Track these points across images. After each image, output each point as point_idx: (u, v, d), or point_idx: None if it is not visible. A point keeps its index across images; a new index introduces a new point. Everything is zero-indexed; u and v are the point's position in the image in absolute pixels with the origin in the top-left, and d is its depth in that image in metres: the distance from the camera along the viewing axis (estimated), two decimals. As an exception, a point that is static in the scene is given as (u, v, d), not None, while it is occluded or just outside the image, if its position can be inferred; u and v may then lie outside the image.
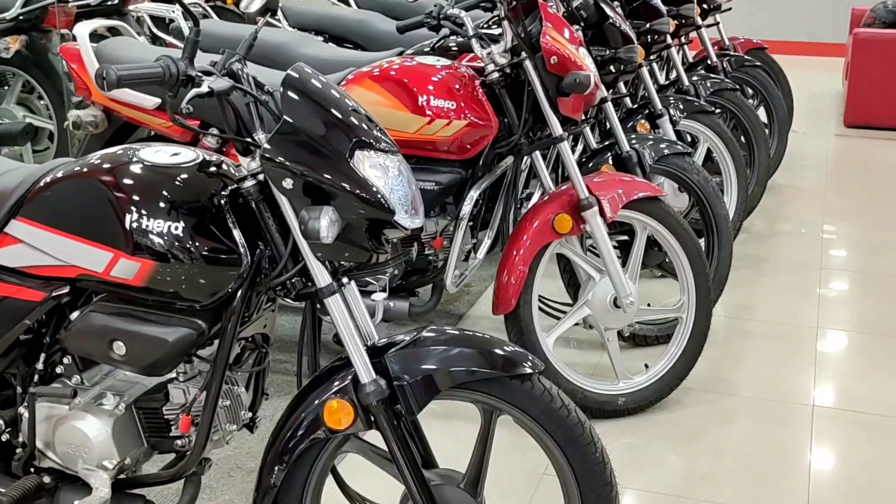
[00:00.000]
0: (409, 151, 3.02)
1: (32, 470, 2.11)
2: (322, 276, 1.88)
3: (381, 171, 1.86)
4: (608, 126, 3.67)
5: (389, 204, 1.84)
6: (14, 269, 2.01)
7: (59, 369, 2.08)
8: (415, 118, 3.02)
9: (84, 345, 1.99)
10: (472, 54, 3.24)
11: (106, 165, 1.95)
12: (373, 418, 1.90)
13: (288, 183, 1.81)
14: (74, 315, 1.99)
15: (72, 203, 1.95)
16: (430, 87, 3.03)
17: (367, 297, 3.04)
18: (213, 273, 1.91)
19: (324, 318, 2.02)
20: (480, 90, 3.10)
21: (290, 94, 1.85)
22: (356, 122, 1.87)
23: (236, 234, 1.92)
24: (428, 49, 3.48)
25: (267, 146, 1.82)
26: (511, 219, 3.32)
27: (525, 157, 3.23)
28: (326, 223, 1.78)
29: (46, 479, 2.09)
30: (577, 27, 3.38)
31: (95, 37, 3.86)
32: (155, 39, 4.93)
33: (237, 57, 1.96)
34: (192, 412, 2.02)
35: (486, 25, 3.45)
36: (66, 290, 1.99)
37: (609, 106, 3.62)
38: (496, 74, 3.08)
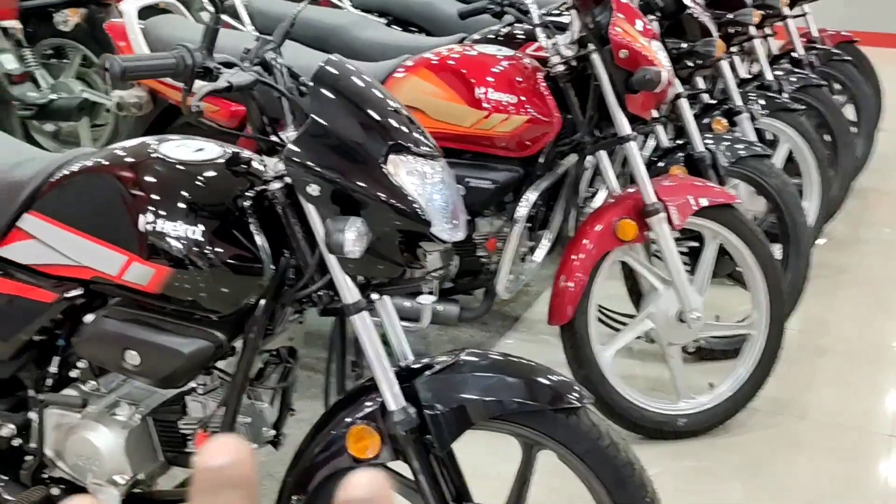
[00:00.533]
0: (464, 146, 2.84)
1: (45, 478, 1.99)
2: (350, 293, 1.71)
3: (418, 178, 1.67)
4: (682, 122, 3.43)
5: (426, 215, 1.66)
6: (27, 267, 1.88)
7: (73, 373, 1.95)
8: (472, 111, 2.82)
9: (96, 352, 1.86)
10: (537, 43, 3.03)
11: (123, 160, 1.80)
12: (400, 448, 1.73)
13: (314, 189, 1.64)
14: (88, 319, 1.85)
15: (85, 199, 1.80)
16: (490, 79, 2.83)
17: (414, 299, 2.89)
18: (233, 282, 1.75)
19: None
20: (543, 83, 2.88)
21: (323, 90, 1.68)
22: (395, 124, 1.68)
23: (260, 240, 1.76)
24: (492, 36, 3.28)
25: (292, 147, 1.65)
26: (572, 221, 3.11)
27: (589, 156, 3.01)
28: (353, 236, 1.60)
29: (55, 491, 1.96)
30: (653, 17, 3.14)
31: (156, 11, 3.74)
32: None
33: (272, 45, 1.80)
34: (209, 428, 1.87)
35: (556, 12, 3.23)
36: (79, 291, 1.85)
37: (684, 102, 3.38)
38: (561, 67, 2.85)
